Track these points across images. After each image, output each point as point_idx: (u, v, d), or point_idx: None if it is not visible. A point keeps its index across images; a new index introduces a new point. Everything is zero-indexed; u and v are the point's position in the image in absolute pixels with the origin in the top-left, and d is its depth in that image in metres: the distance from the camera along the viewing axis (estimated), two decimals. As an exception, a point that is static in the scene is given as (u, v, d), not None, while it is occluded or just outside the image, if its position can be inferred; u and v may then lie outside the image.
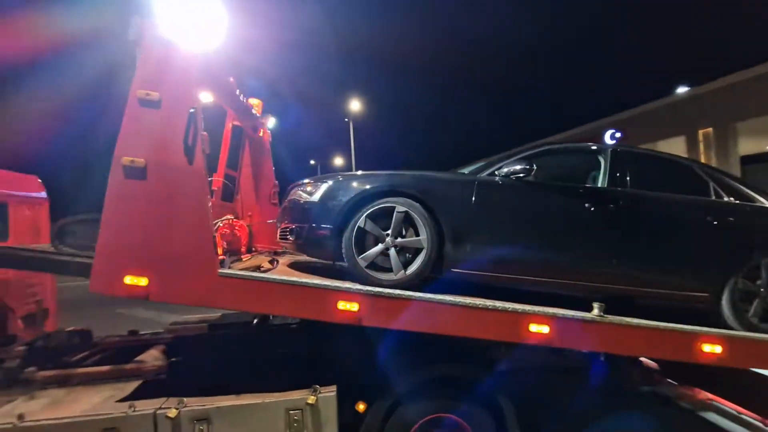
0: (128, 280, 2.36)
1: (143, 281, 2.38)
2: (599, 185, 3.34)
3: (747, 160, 16.57)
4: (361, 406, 2.73)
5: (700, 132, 17.14)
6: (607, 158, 3.39)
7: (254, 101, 4.68)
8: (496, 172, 3.26)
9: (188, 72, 2.56)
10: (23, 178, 4.40)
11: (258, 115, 4.68)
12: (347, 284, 2.64)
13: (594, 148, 3.53)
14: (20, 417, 2.38)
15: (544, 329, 2.63)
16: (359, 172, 3.35)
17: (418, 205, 3.06)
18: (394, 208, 3.05)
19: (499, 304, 2.70)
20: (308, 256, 3.48)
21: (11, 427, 2.34)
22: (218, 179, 4.16)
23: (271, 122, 5.01)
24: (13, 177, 4.29)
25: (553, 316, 2.66)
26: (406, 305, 2.60)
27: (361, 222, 3.03)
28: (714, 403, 3.42)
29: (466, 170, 3.48)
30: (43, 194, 4.48)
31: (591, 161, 3.52)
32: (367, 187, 3.09)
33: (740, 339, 2.80)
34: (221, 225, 3.79)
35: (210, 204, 2.48)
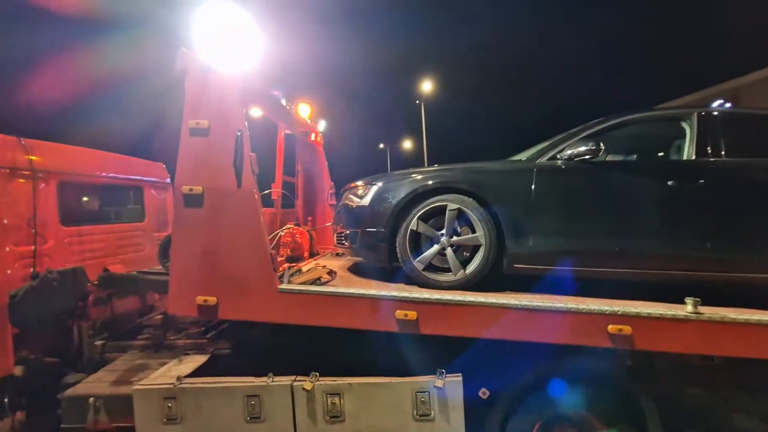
0: (200, 300, 2.54)
1: (213, 300, 2.54)
2: (685, 157, 2.89)
3: None
4: (486, 394, 2.69)
5: None
6: (693, 124, 2.91)
7: (304, 106, 4.75)
8: (558, 156, 2.96)
9: (231, 96, 2.64)
10: (152, 165, 4.96)
11: (308, 120, 4.75)
12: (404, 293, 2.58)
13: (674, 113, 3.05)
14: (179, 378, 2.68)
15: (626, 330, 2.36)
16: (407, 171, 3.25)
17: (470, 200, 2.90)
18: (446, 206, 2.93)
19: (571, 304, 2.47)
20: (365, 259, 3.50)
21: (173, 386, 2.64)
22: (276, 190, 4.31)
23: (321, 125, 5.07)
24: (145, 164, 4.87)
25: (637, 316, 2.37)
26: (464, 311, 2.49)
27: (413, 225, 2.95)
28: None
29: (523, 155, 3.21)
30: (168, 180, 5.01)
31: (673, 130, 3.05)
32: (416, 186, 2.99)
33: None
34: (283, 234, 3.95)
35: (263, 222, 2.56)
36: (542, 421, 2.74)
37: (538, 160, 2.99)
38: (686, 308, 2.37)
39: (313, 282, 2.81)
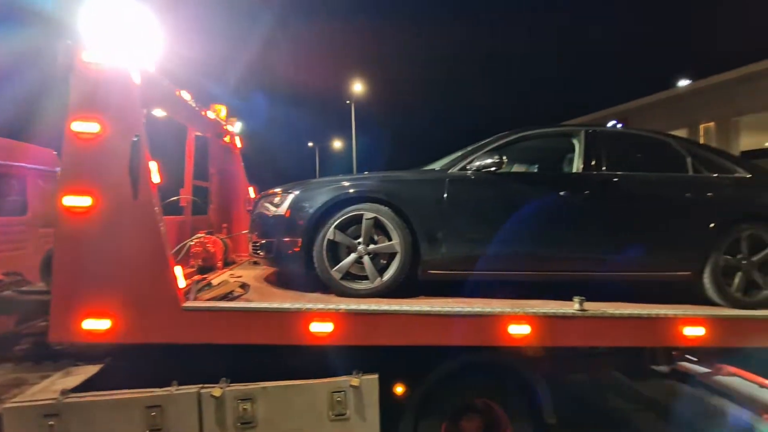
0: (88, 324, 2.26)
1: (105, 323, 2.29)
2: (574, 169, 3.25)
3: (747, 156, 16.73)
4: (399, 389, 2.72)
5: (702, 126, 17.34)
6: (581, 140, 3.28)
7: (217, 107, 4.48)
8: (468, 166, 3.15)
9: (128, 97, 2.39)
10: (40, 151, 4.31)
11: (222, 121, 4.50)
12: (319, 304, 2.56)
13: (566, 130, 3.42)
14: (63, 392, 2.31)
15: (525, 329, 2.58)
16: (324, 179, 3.23)
17: (386, 209, 2.97)
18: (362, 215, 2.96)
19: (477, 308, 2.64)
20: (282, 269, 3.41)
21: (55, 402, 2.27)
22: (185, 197, 4.01)
23: (237, 126, 4.83)
24: (30, 149, 4.23)
25: (534, 315, 2.61)
26: (379, 320, 2.53)
27: (330, 234, 2.94)
28: (737, 377, 3.37)
29: (437, 165, 3.36)
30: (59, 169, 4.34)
31: (565, 145, 3.41)
32: (333, 195, 2.98)
33: (723, 318, 2.77)
34: (192, 244, 3.69)
35: (165, 235, 2.36)
36: (451, 413, 2.85)
37: (449, 171, 3.15)
38: (574, 306, 2.66)
39: (224, 297, 2.66)
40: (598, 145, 3.24)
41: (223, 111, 4.52)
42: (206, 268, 3.76)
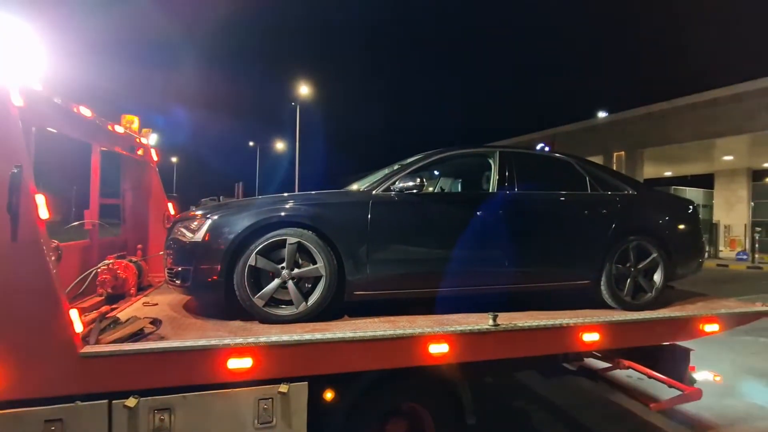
0: (-38, 382, 1.98)
1: (-14, 380, 2.02)
2: (491, 188, 3.45)
3: (649, 183, 19.33)
4: (329, 395, 2.68)
5: (615, 154, 19.72)
6: (496, 160, 3.49)
7: (129, 119, 4.14)
8: (391, 188, 3.22)
9: (5, 123, 2.12)
10: None
11: (134, 133, 4.16)
12: (238, 338, 2.47)
13: (482, 151, 3.62)
14: None
15: (444, 348, 2.70)
16: (244, 202, 3.12)
17: (309, 233, 2.94)
18: (285, 239, 2.91)
19: (397, 330, 2.70)
20: (200, 299, 3.24)
21: None
22: (89, 221, 3.65)
23: (151, 138, 4.49)
24: None
25: (452, 333, 2.73)
26: (297, 351, 2.50)
27: (252, 260, 2.85)
28: (632, 370, 3.79)
29: (360, 185, 3.39)
30: None
31: (483, 164, 3.61)
32: (254, 221, 2.89)
33: (614, 323, 3.10)
34: (99, 271, 3.38)
35: (54, 275, 2.13)
36: (378, 418, 2.86)
37: (374, 192, 3.20)
38: (488, 322, 2.83)
39: (133, 335, 2.47)
40: (510, 165, 3.47)
41: (135, 122, 4.18)
42: (117, 296, 3.47)
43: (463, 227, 3.21)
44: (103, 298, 3.39)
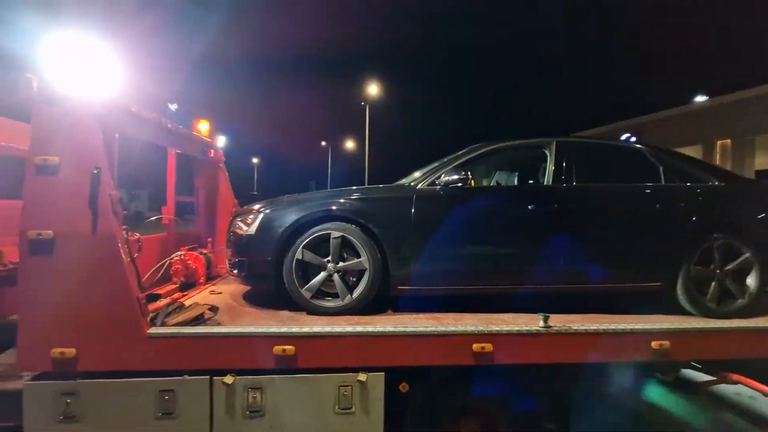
0: (55, 353, 2.33)
1: (71, 352, 2.35)
2: (546, 181, 3.22)
3: (762, 175, 16.45)
4: (404, 387, 2.69)
5: (718, 143, 17.23)
6: (552, 151, 3.25)
7: (201, 124, 4.55)
8: (436, 182, 3.15)
9: (88, 130, 2.44)
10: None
11: (204, 137, 4.55)
12: (283, 327, 2.59)
13: (537, 142, 3.38)
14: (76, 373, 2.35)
15: (488, 347, 2.58)
16: (294, 198, 3.25)
17: (353, 227, 2.99)
18: (329, 234, 2.98)
19: (440, 327, 2.64)
20: (256, 288, 3.45)
21: (73, 381, 2.38)
22: (167, 216, 4.07)
23: (220, 141, 4.88)
24: None
25: (497, 333, 2.60)
26: (342, 342, 2.56)
27: (299, 254, 2.97)
28: (741, 384, 3.27)
29: (407, 180, 3.36)
30: None
31: (538, 156, 3.38)
32: (300, 216, 3.01)
33: (689, 332, 2.73)
34: (173, 261, 3.75)
35: (127, 264, 2.41)
36: (451, 413, 2.82)
37: (418, 186, 3.15)
38: (538, 323, 2.65)
39: (194, 320, 2.71)
40: (568, 156, 3.20)
41: (206, 127, 4.58)
42: (189, 285, 3.83)
43: (512, 222, 3.05)
44: (177, 285, 3.76)
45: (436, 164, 3.39)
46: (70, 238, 2.35)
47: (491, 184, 4.15)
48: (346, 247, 3.02)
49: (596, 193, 3.11)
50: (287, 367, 2.52)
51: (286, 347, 2.50)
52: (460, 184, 3.03)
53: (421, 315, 3.01)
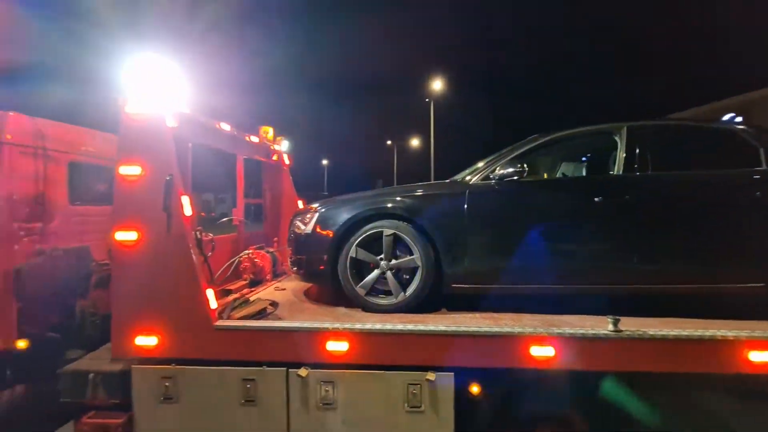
0: (139, 341, 2.64)
1: (153, 341, 2.64)
2: (614, 172, 2.92)
3: None
4: (474, 389, 2.62)
5: None
6: (623, 138, 2.94)
7: (265, 129, 4.83)
8: (491, 176, 3.01)
9: (161, 141, 2.71)
10: None
11: (269, 142, 4.83)
12: (336, 323, 2.66)
13: (605, 128, 3.07)
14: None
15: (548, 351, 2.41)
16: (348, 197, 3.31)
17: (404, 224, 2.97)
18: (382, 232, 2.99)
19: (494, 328, 2.53)
20: (315, 284, 3.58)
21: (171, 367, 2.64)
22: (236, 218, 4.40)
23: (284, 145, 5.15)
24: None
25: (559, 336, 2.42)
26: (394, 339, 2.55)
27: (352, 252, 3.02)
28: None
29: (461, 175, 3.25)
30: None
31: (608, 144, 3.08)
32: (352, 214, 3.06)
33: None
34: (242, 259, 4.03)
35: (197, 262, 2.64)
36: (526, 420, 2.68)
37: (471, 181, 3.04)
38: (607, 327, 2.41)
39: (257, 314, 2.89)
40: (642, 142, 2.87)
41: (270, 132, 4.86)
42: (257, 281, 4.09)
43: (575, 216, 2.81)
44: (246, 282, 4.04)
45: (492, 158, 3.25)
46: (149, 239, 2.63)
47: (558, 176, 3.87)
48: (399, 245, 3.01)
49: (676, 181, 2.75)
50: (339, 361, 2.58)
51: (339, 343, 2.56)
52: (515, 178, 2.86)
53: (477, 314, 2.91)
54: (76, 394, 2.80)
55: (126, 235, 2.64)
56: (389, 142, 42.99)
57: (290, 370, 2.59)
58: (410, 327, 2.56)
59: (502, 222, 2.93)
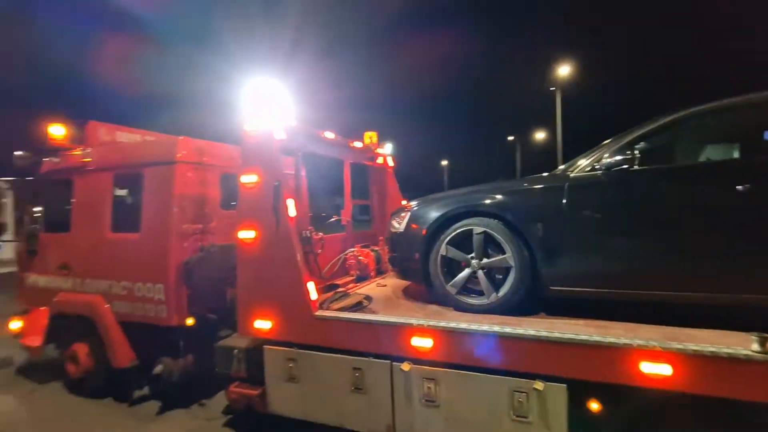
0: (257, 324, 3.09)
1: (267, 324, 3.06)
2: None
3: None
4: (594, 405, 2.35)
5: None
6: None
7: (370, 134, 5.13)
8: (596, 165, 2.68)
9: (270, 153, 3.14)
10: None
11: (372, 146, 5.11)
12: (421, 319, 2.69)
13: (755, 100, 2.44)
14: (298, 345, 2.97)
15: (664, 369, 2.04)
16: (438, 196, 3.30)
17: (495, 222, 2.84)
18: (471, 230, 2.91)
19: (595, 336, 2.24)
20: (410, 281, 3.65)
21: (293, 350, 3.01)
22: (344, 218, 4.76)
23: (388, 148, 5.38)
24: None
25: (679, 352, 2.03)
26: (479, 340, 2.47)
27: (443, 250, 3.02)
28: None
29: (563, 167, 2.96)
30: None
31: (759, 121, 2.46)
32: (442, 212, 3.05)
33: None
34: (347, 257, 4.36)
35: (300, 257, 2.98)
36: None
37: (573, 173, 2.75)
38: (751, 346, 1.94)
39: (353, 307, 3.11)
40: None
41: (374, 137, 5.14)
42: (363, 277, 4.38)
43: (702, 210, 2.31)
44: (353, 278, 4.35)
45: (605, 144, 2.88)
46: (263, 237, 3.07)
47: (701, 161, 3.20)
48: (492, 244, 2.90)
49: None
50: (423, 357, 2.61)
51: (424, 339, 2.59)
52: (624, 167, 2.49)
53: (582, 321, 2.62)
54: (225, 366, 3.40)
55: (246, 234, 3.12)
56: (511, 138, 40.90)
57: (394, 363, 2.69)
58: (489, 328, 2.46)
59: (609, 218, 2.58)
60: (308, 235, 3.66)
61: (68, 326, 4.53)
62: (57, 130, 4.64)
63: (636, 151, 2.45)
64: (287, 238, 2.99)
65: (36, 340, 4.76)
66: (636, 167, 2.48)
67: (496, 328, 2.47)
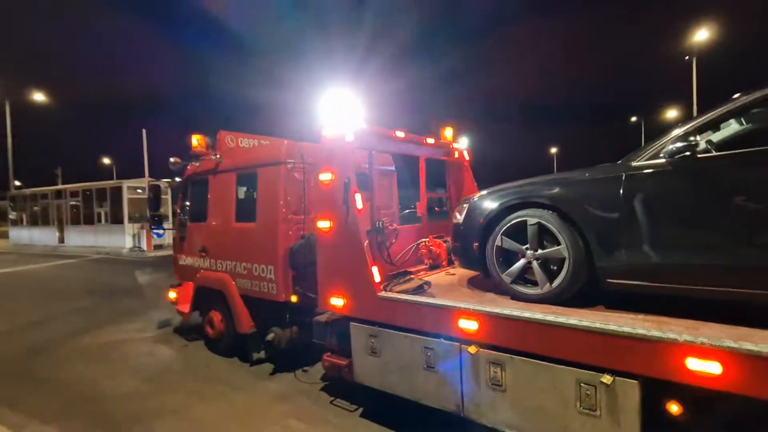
0: (333, 301, 3.61)
1: (341, 301, 3.57)
2: None
3: None
4: (674, 407, 2.24)
5: None
6: None
7: (446, 131, 5.32)
8: (661, 153, 2.53)
9: (343, 153, 3.61)
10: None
11: (448, 141, 5.29)
12: (470, 303, 2.88)
13: None
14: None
15: (713, 368, 1.93)
16: (495, 188, 3.39)
17: (549, 213, 2.86)
18: (526, 221, 2.97)
19: (625, 327, 2.19)
20: (471, 271, 3.80)
21: (375, 327, 3.34)
22: (419, 210, 5.06)
23: (463, 142, 5.49)
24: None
25: (732, 350, 1.90)
26: (523, 326, 2.57)
27: (498, 241, 3.13)
28: None
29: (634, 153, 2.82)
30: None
31: None
32: (498, 204, 3.16)
33: None
34: (420, 246, 4.65)
35: (365, 245, 3.39)
36: None
37: (633, 162, 2.63)
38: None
39: (414, 290, 3.42)
40: None
41: (449, 132, 5.31)
42: (435, 266, 4.65)
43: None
44: (426, 266, 4.65)
45: (669, 130, 2.68)
46: (336, 226, 3.57)
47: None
48: (547, 235, 2.93)
49: None
50: (468, 338, 2.80)
51: (470, 322, 2.79)
52: (687, 154, 2.32)
53: (641, 316, 2.53)
54: (320, 337, 4.01)
55: (324, 224, 3.66)
56: (634, 118, 35.83)
57: (462, 345, 2.84)
58: (530, 315, 2.54)
59: (670, 209, 2.43)
60: (380, 225, 4.07)
61: (207, 297, 5.72)
62: (197, 140, 5.86)
63: (696, 138, 2.26)
64: (355, 228, 3.44)
65: (186, 308, 6.10)
66: (706, 154, 2.29)
67: (537, 315, 2.54)
